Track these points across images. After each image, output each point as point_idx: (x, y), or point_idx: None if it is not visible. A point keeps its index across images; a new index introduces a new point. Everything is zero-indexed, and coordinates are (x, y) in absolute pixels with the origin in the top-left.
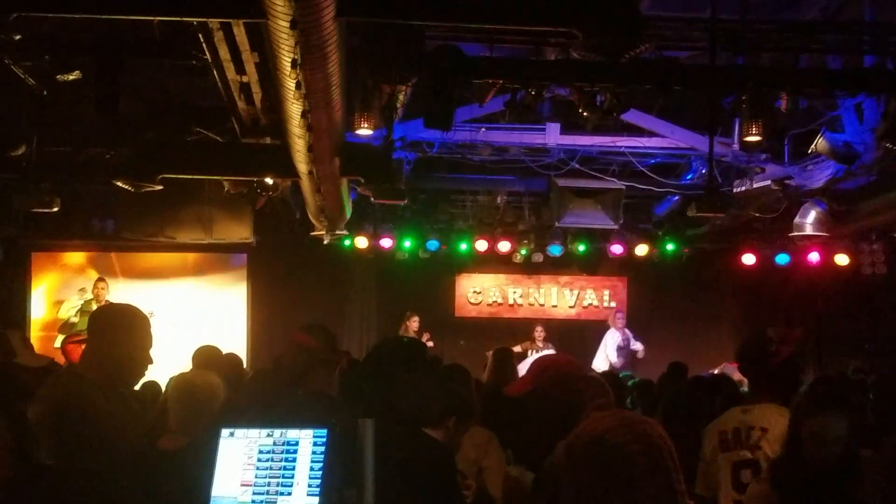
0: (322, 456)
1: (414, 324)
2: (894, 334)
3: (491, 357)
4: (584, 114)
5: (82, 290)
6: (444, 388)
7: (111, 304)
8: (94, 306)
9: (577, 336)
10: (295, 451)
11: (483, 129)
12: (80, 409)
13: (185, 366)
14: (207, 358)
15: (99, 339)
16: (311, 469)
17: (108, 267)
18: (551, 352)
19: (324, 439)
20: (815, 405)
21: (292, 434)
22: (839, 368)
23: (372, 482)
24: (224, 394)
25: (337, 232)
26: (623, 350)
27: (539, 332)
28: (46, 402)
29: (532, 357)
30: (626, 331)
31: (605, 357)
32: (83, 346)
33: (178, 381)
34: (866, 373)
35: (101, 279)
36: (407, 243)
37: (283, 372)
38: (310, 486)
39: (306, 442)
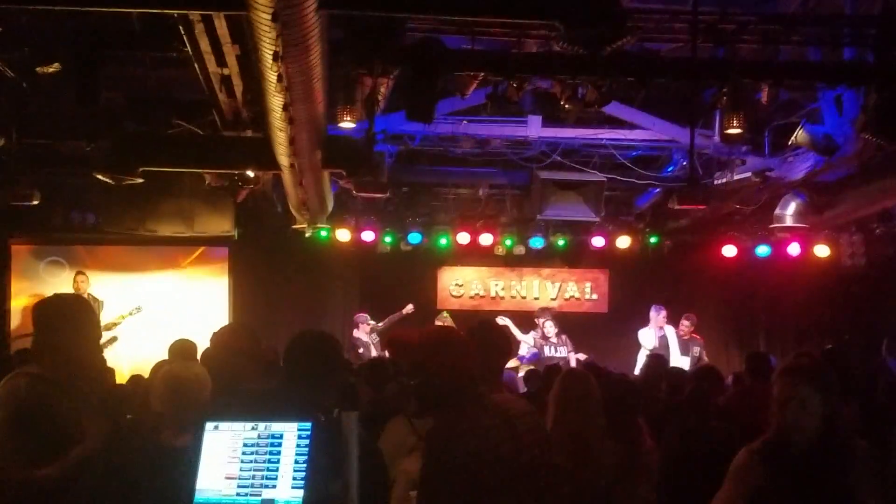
0: (307, 449)
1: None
2: (873, 325)
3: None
4: (566, 106)
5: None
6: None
7: (56, 295)
8: None
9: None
10: (279, 444)
11: (465, 122)
12: (43, 413)
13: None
14: (184, 352)
15: (49, 333)
16: (296, 462)
17: (88, 260)
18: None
19: (308, 432)
20: (781, 373)
21: (277, 427)
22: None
23: (356, 475)
24: (210, 384)
25: (318, 225)
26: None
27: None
28: (8, 405)
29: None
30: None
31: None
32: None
33: (165, 377)
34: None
35: (80, 272)
36: (389, 236)
37: (222, 377)
38: (294, 478)
39: (291, 435)
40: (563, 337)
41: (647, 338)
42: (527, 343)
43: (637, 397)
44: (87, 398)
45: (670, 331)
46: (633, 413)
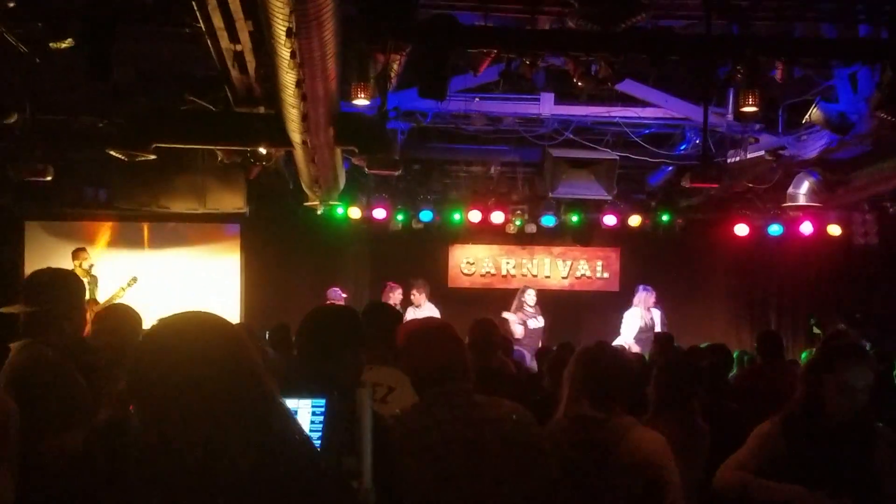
0: (321, 425)
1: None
2: (885, 304)
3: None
4: (579, 83)
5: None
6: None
7: (56, 269)
8: (83, 276)
9: (571, 307)
10: None
11: (477, 99)
12: (66, 382)
13: None
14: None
15: (60, 305)
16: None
17: (101, 236)
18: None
19: (322, 408)
20: (840, 358)
21: (290, 403)
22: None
23: (370, 450)
24: None
25: (330, 202)
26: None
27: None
28: (37, 374)
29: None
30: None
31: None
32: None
33: None
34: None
35: (82, 248)
36: (400, 214)
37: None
38: None
39: (304, 411)
40: (537, 307)
41: (634, 319)
42: (514, 321)
43: (694, 379)
44: (93, 368)
45: (656, 313)
46: (686, 394)
